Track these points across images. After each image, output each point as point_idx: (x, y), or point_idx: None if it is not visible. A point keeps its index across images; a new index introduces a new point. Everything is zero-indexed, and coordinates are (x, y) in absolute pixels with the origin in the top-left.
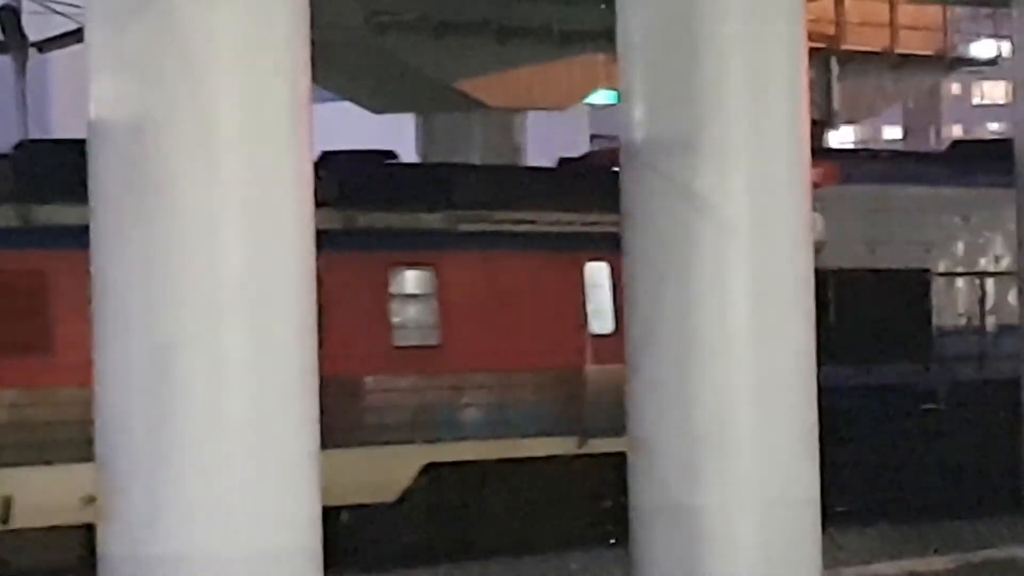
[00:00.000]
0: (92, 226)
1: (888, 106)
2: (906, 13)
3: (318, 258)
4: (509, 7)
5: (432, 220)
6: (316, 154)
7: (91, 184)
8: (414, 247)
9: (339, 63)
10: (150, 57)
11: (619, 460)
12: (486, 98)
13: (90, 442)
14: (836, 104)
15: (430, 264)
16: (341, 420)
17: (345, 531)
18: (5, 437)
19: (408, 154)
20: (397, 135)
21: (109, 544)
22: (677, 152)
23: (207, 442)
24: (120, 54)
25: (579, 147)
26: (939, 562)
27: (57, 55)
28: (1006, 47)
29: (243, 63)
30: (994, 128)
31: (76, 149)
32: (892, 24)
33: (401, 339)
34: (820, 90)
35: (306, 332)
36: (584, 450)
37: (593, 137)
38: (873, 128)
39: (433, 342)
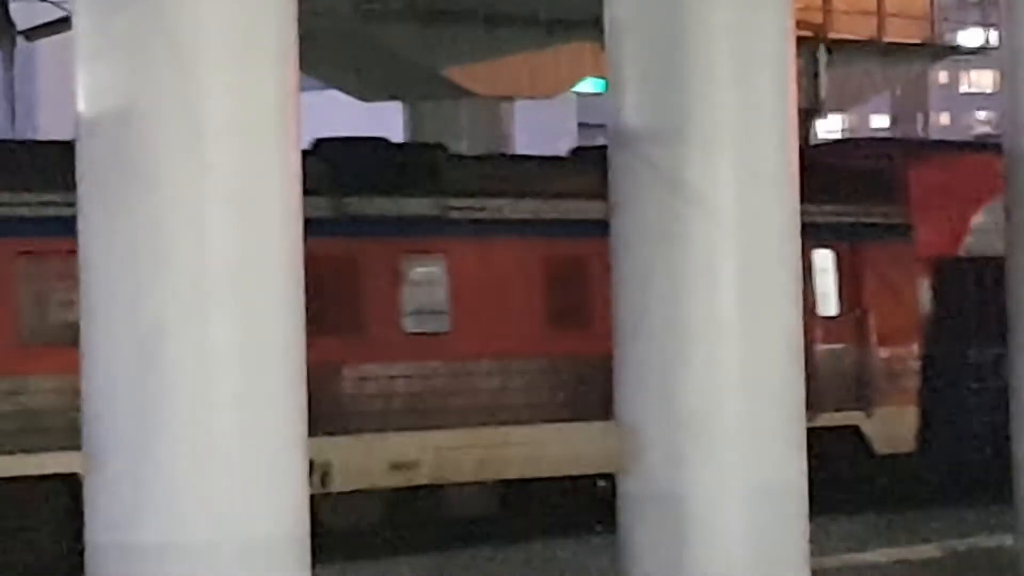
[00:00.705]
0: (80, 214)
1: (876, 94)
2: (894, 1)
3: (582, 244)
4: None
5: None
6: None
7: (79, 172)
8: None
9: (327, 51)
10: (138, 45)
11: (843, 434)
12: (474, 86)
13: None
14: (824, 92)
15: None
16: (602, 396)
17: (602, 496)
18: (319, 407)
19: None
20: (384, 123)
21: (95, 531)
22: (665, 141)
23: (194, 430)
24: (108, 42)
25: (567, 136)
26: (927, 550)
27: (45, 43)
28: (993, 35)
29: (231, 52)
30: (981, 116)
31: None
32: (880, 12)
33: None
34: (808, 78)
35: (294, 320)
36: (813, 424)
37: (581, 126)
38: (861, 116)
39: None
